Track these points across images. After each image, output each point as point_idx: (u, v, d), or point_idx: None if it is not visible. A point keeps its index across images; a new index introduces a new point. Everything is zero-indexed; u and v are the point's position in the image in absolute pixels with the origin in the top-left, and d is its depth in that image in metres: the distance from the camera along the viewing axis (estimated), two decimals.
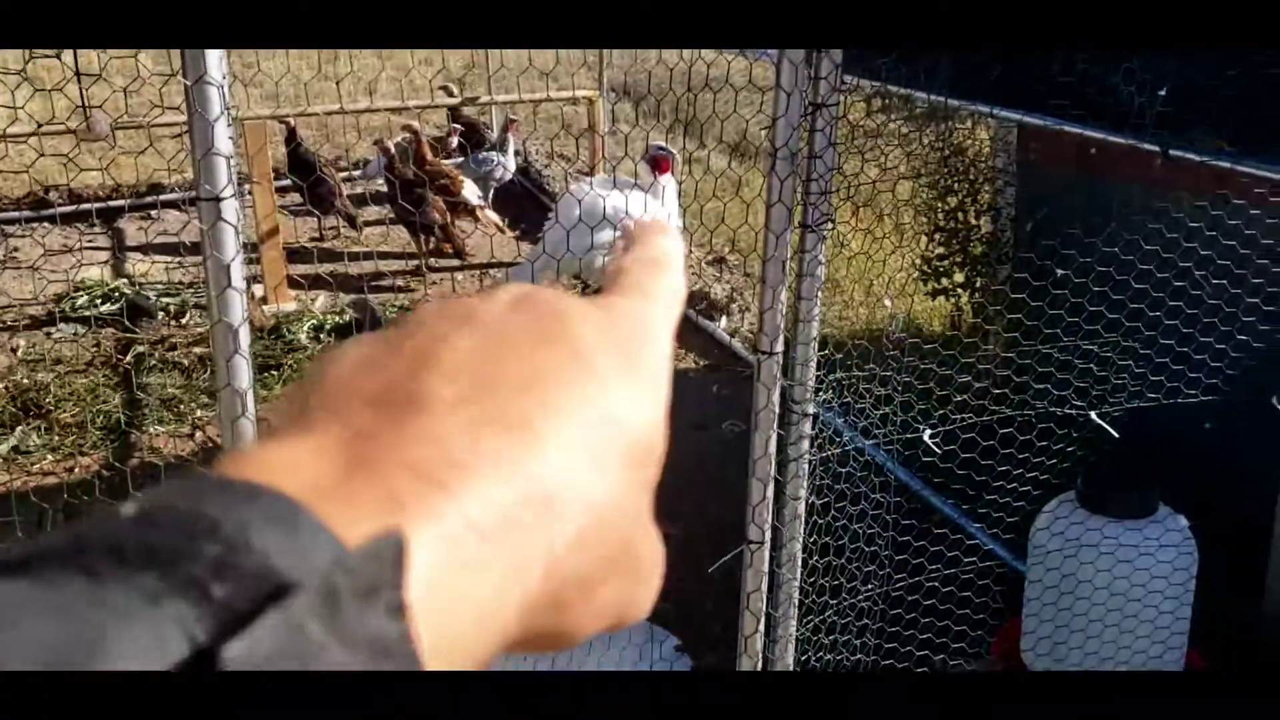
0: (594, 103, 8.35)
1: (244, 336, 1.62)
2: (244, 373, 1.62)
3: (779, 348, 2.07)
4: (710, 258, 8.07)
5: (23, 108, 2.89)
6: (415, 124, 8.08)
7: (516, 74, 10.02)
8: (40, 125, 6.44)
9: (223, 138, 1.53)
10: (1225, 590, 3.34)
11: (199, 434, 5.64)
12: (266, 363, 6.37)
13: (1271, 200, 3.17)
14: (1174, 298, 3.04)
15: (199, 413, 5.87)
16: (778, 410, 2.10)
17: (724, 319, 7.06)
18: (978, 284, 4.85)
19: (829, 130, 1.96)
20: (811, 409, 2.15)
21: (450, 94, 9.32)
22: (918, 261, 5.12)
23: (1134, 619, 2.85)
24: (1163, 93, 2.39)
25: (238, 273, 1.58)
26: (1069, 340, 2.74)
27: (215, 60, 1.49)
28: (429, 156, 7.85)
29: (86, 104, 2.37)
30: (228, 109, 1.51)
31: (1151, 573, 2.80)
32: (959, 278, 4.88)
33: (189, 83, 1.49)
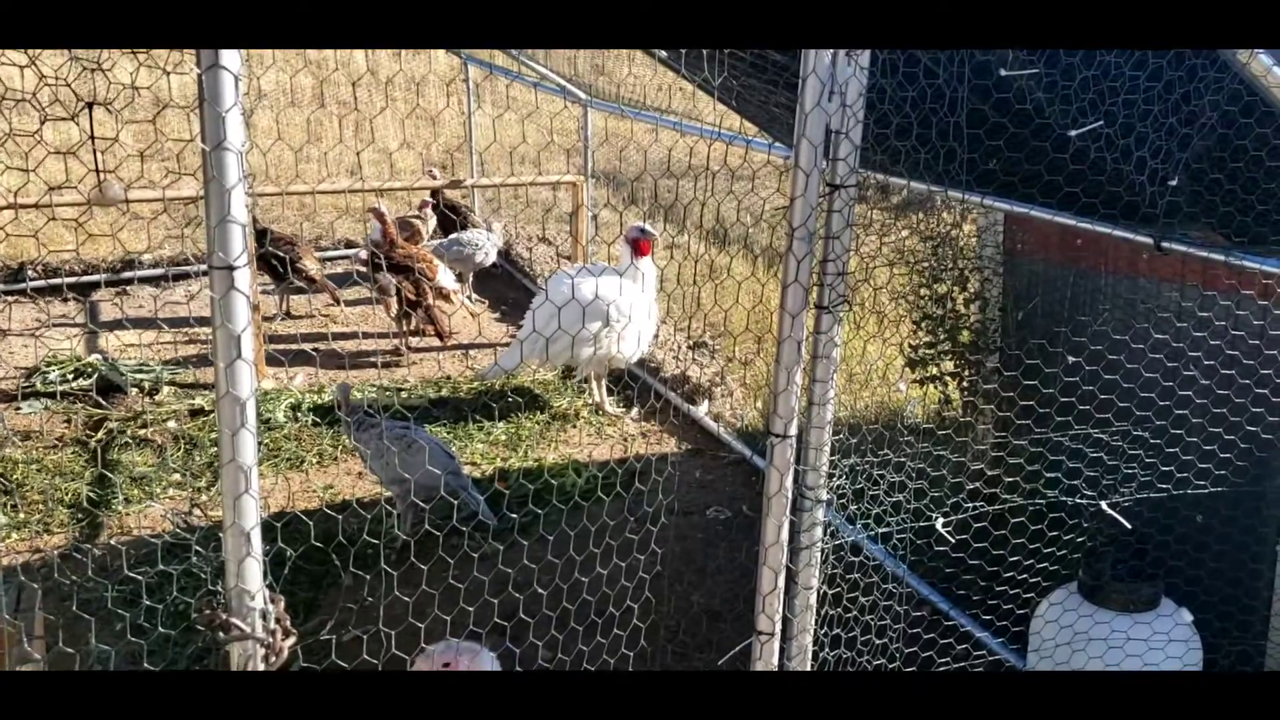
0: (578, 187, 8.42)
1: (250, 410, 1.56)
2: (250, 448, 1.55)
3: (793, 431, 2.02)
4: (691, 342, 8.07)
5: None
6: (381, 205, 8.09)
7: (500, 155, 10.12)
8: (14, 194, 6.39)
9: (239, 205, 1.49)
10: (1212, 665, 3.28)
11: (169, 512, 5.49)
12: None
13: (1249, 292, 3.19)
14: (1171, 385, 3.04)
15: (170, 491, 5.74)
16: (790, 496, 2.04)
17: (705, 403, 7.03)
18: (965, 373, 4.85)
19: (846, 211, 1.95)
20: (825, 495, 2.10)
21: (434, 176, 9.38)
22: (905, 349, 5.13)
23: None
24: (1174, 183, 2.41)
25: (247, 344, 1.53)
26: (1079, 429, 2.72)
27: (235, 126, 1.46)
28: (397, 239, 7.86)
29: (100, 169, 2.33)
30: (245, 177, 1.48)
31: (1151, 661, 2.74)
32: (947, 366, 4.88)
33: (208, 148, 1.45)
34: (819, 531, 2.11)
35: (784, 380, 1.97)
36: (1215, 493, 3.05)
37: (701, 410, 6.91)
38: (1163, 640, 2.74)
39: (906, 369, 5.06)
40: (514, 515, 5.02)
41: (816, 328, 2.02)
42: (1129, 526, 2.61)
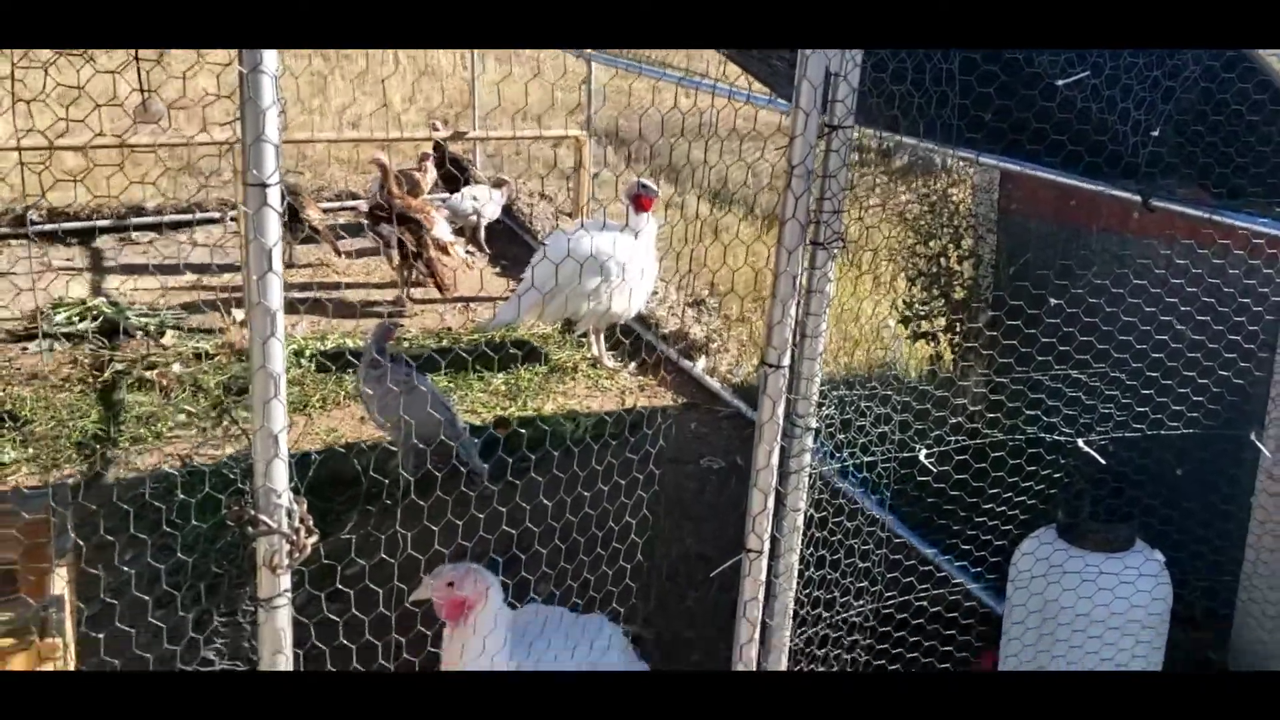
0: (581, 143, 8.47)
1: (280, 320, 1.66)
2: (278, 355, 1.66)
3: (786, 361, 2.13)
4: (690, 299, 8.17)
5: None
6: (382, 157, 8.16)
7: (503, 112, 10.15)
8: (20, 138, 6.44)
9: (272, 126, 1.59)
10: (1199, 624, 3.43)
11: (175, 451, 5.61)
12: (245, 386, 6.38)
13: (1239, 250, 3.30)
14: (1156, 335, 3.15)
15: (175, 431, 5.85)
16: (781, 423, 2.16)
17: (702, 359, 7.14)
18: (958, 329, 4.96)
19: (843, 151, 2.06)
20: (814, 423, 2.21)
21: (436, 129, 9.42)
22: (899, 306, 5.23)
23: (1111, 647, 2.92)
24: (1155, 133, 2.50)
25: (277, 258, 1.63)
26: (1060, 369, 2.84)
27: (271, 50, 1.55)
28: (396, 190, 7.93)
29: (145, 86, 2.41)
30: (278, 99, 1.57)
31: (1131, 602, 2.88)
32: (940, 322, 4.99)
33: (245, 70, 1.55)
34: (807, 458, 2.23)
35: (779, 312, 2.08)
36: (1191, 439, 3.18)
37: (698, 366, 7.03)
38: (1134, 576, 2.88)
39: (899, 325, 5.17)
40: (508, 459, 5.12)
41: (811, 263, 2.12)
42: (1104, 463, 2.74)
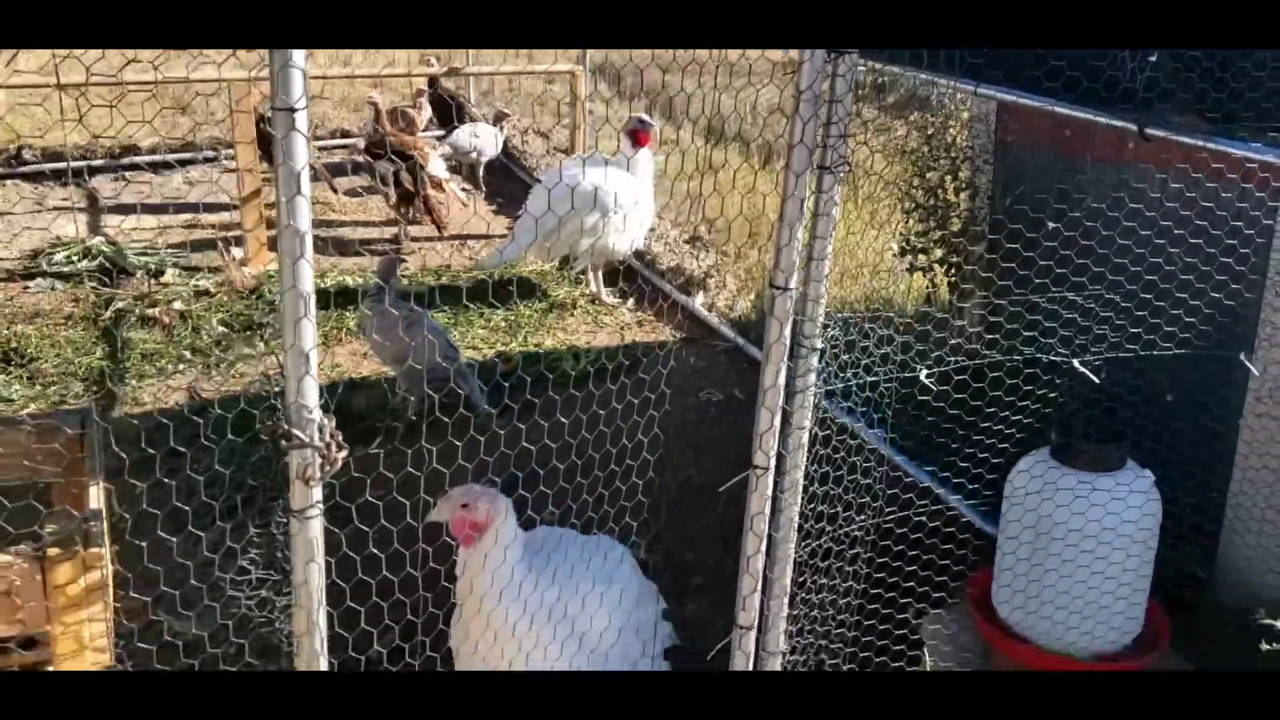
0: (576, 77, 8.44)
1: (309, 243, 1.72)
2: (308, 275, 1.72)
3: (794, 283, 2.20)
4: (687, 236, 8.20)
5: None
6: (375, 95, 8.13)
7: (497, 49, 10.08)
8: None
9: (300, 53, 1.64)
10: (1188, 544, 3.55)
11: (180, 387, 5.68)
12: (249, 322, 6.43)
13: (1232, 176, 3.36)
14: (1150, 259, 3.22)
15: (180, 367, 5.91)
16: (789, 343, 2.23)
17: (700, 294, 7.20)
18: (954, 260, 5.03)
19: (849, 77, 2.10)
20: (819, 344, 2.29)
21: (430, 64, 9.37)
22: (896, 238, 5.29)
23: (1102, 561, 3.03)
24: (1153, 58, 2.55)
25: (305, 181, 1.69)
26: (1055, 291, 2.91)
27: None
28: (390, 128, 7.92)
29: None
30: None
31: (1121, 517, 2.98)
32: (937, 254, 5.05)
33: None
34: (813, 378, 2.30)
35: (786, 235, 2.14)
36: (1182, 362, 3.26)
37: (697, 301, 7.09)
38: (1124, 493, 2.98)
39: (897, 256, 5.23)
40: (512, 404, 5.18)
41: (818, 187, 2.18)
42: (1097, 383, 2.82)
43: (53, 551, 1.83)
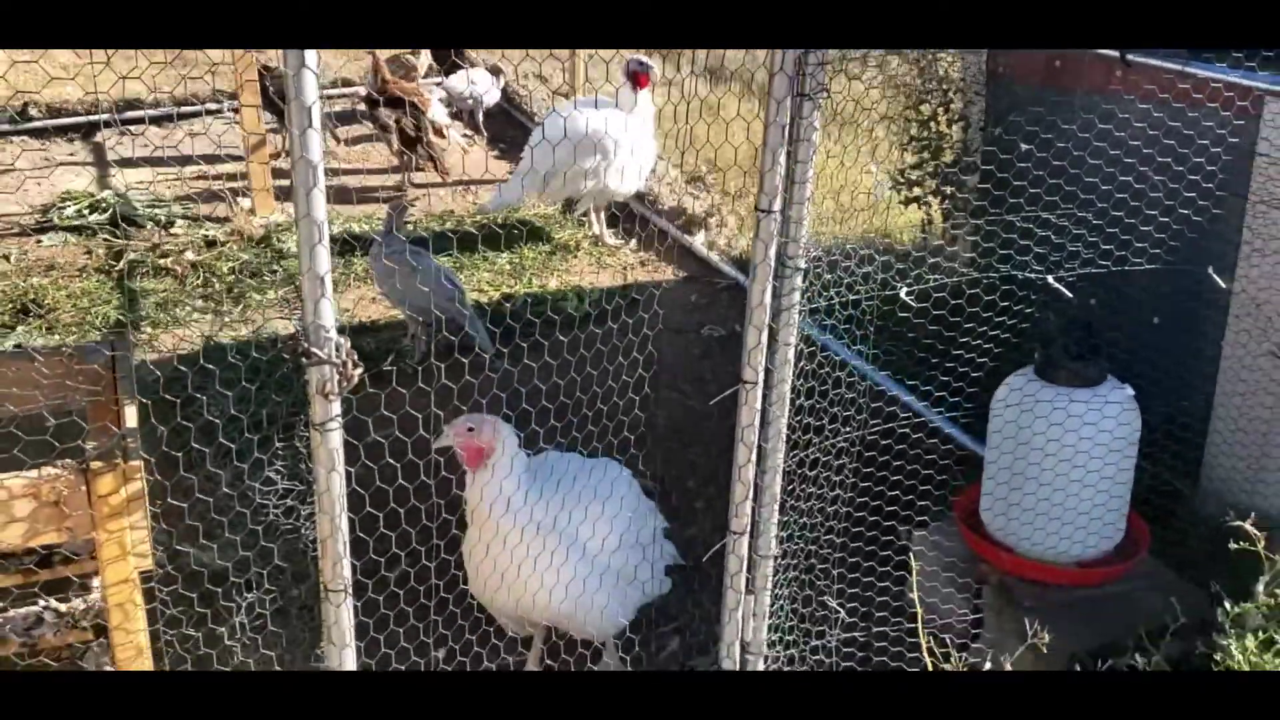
0: None
1: (321, 173, 1.85)
2: (321, 204, 1.86)
3: (777, 206, 2.32)
4: (688, 176, 8.28)
5: None
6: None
7: None
8: None
9: None
10: (1164, 457, 3.70)
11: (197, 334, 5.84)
12: (259, 269, 6.57)
13: (1211, 104, 3.46)
14: (1126, 181, 3.33)
15: (193, 315, 6.06)
16: (774, 264, 2.36)
17: (701, 233, 7.31)
18: (948, 192, 5.13)
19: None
20: (803, 264, 2.42)
21: None
22: (892, 172, 5.38)
23: (1081, 470, 3.18)
24: None
25: (316, 114, 1.81)
26: (1030, 210, 3.03)
27: None
28: (389, 76, 7.97)
29: None
30: None
31: (1099, 428, 3.13)
32: (930, 185, 5.15)
33: None
34: (797, 296, 2.44)
35: (769, 160, 2.26)
36: (1163, 281, 3.38)
37: (697, 240, 7.20)
38: (1102, 404, 3.13)
39: (890, 191, 5.32)
40: (521, 343, 5.32)
41: (799, 113, 2.29)
42: (1071, 297, 2.95)
43: (96, 464, 1.98)
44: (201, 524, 2.83)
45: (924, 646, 2.74)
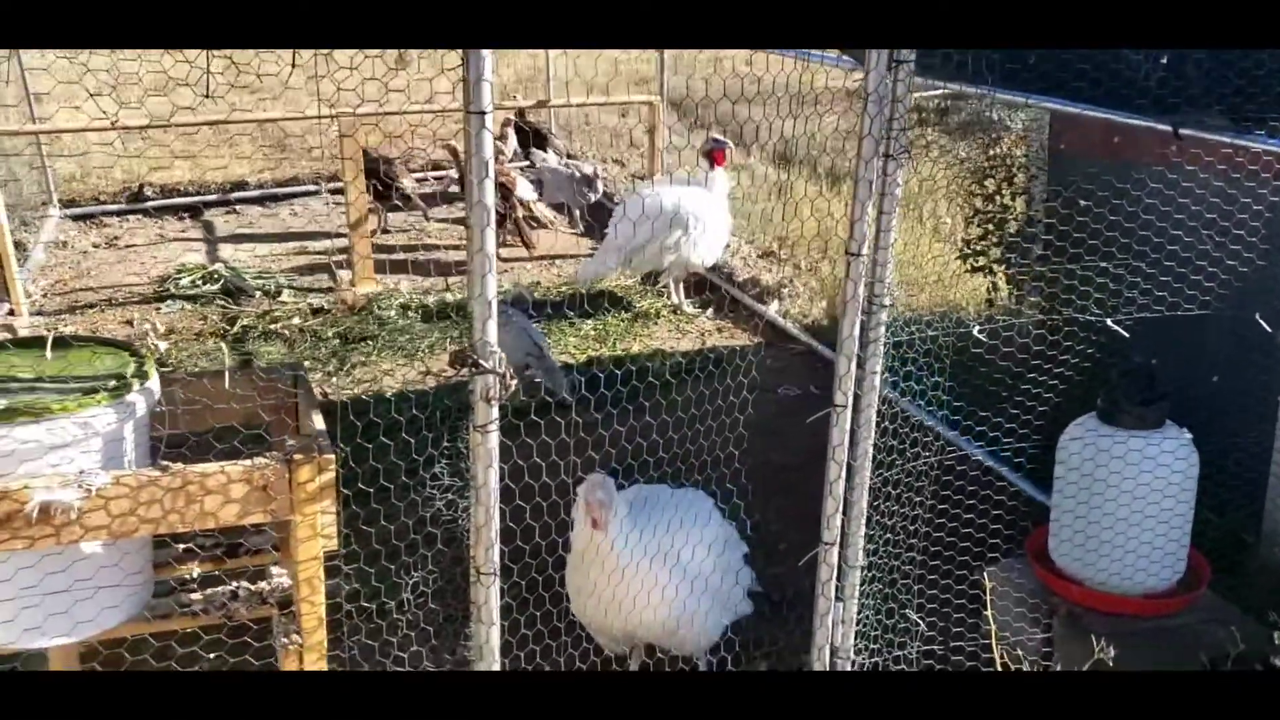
0: (654, 107, 9.01)
1: (492, 215, 2.25)
2: (491, 241, 2.25)
3: (865, 251, 2.67)
4: (760, 251, 8.69)
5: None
6: (454, 143, 8.79)
7: (571, 83, 10.73)
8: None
9: (489, 68, 2.17)
10: (1222, 496, 3.92)
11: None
12: (363, 334, 7.06)
13: (1266, 175, 3.77)
14: (1175, 239, 3.63)
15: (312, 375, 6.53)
16: (862, 301, 2.70)
17: (775, 302, 7.67)
18: (1012, 260, 5.44)
19: (908, 80, 2.58)
20: (888, 301, 2.75)
21: (516, 98, 10.04)
22: (959, 244, 5.72)
23: (1144, 510, 3.43)
24: (1164, 60, 2.97)
25: (491, 165, 2.21)
26: (1090, 260, 3.35)
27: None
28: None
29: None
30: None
31: (1161, 466, 3.38)
32: (995, 254, 5.48)
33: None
34: (883, 330, 2.77)
35: (858, 210, 2.62)
36: (1225, 333, 3.62)
37: (772, 308, 7.56)
38: (1163, 446, 3.39)
39: (958, 261, 5.66)
40: (612, 407, 5.67)
41: (884, 171, 2.65)
42: (1126, 335, 3.24)
43: (297, 456, 2.36)
44: (381, 512, 3.27)
45: (997, 661, 2.99)
